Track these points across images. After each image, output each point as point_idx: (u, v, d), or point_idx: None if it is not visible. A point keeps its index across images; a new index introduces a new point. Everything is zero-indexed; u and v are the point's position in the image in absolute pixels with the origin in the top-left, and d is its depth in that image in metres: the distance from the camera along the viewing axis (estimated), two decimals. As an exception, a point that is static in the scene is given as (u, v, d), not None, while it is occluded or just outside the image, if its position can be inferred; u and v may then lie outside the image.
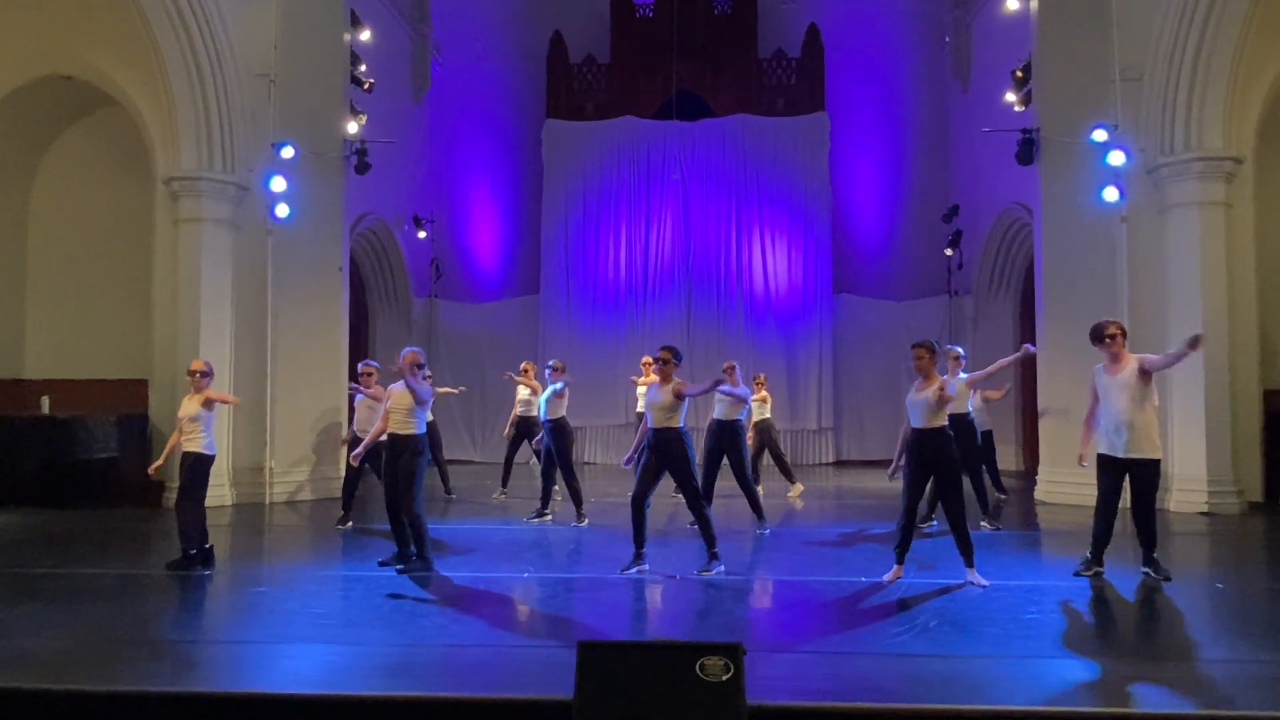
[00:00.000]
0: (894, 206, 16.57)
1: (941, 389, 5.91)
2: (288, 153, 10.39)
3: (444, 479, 11.03)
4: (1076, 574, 6.33)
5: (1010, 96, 11.80)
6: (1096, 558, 6.31)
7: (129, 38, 10.10)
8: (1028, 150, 10.58)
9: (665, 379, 6.51)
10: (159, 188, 10.47)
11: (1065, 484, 10.09)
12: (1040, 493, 10.44)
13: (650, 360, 10.74)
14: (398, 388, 6.65)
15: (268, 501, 10.24)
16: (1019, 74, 11.46)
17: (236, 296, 10.43)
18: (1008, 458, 14.05)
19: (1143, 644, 4.72)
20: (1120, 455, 6.05)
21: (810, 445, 15.51)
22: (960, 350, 8.67)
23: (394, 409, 6.61)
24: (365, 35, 12.16)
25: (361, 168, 11.35)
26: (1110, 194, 9.83)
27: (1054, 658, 4.46)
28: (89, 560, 7.04)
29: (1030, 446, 12.87)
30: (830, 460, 15.28)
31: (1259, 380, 9.90)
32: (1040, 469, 10.64)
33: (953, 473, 5.99)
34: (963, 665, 4.31)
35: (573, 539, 8.02)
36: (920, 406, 6.04)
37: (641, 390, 10.70)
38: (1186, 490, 9.42)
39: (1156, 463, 6.08)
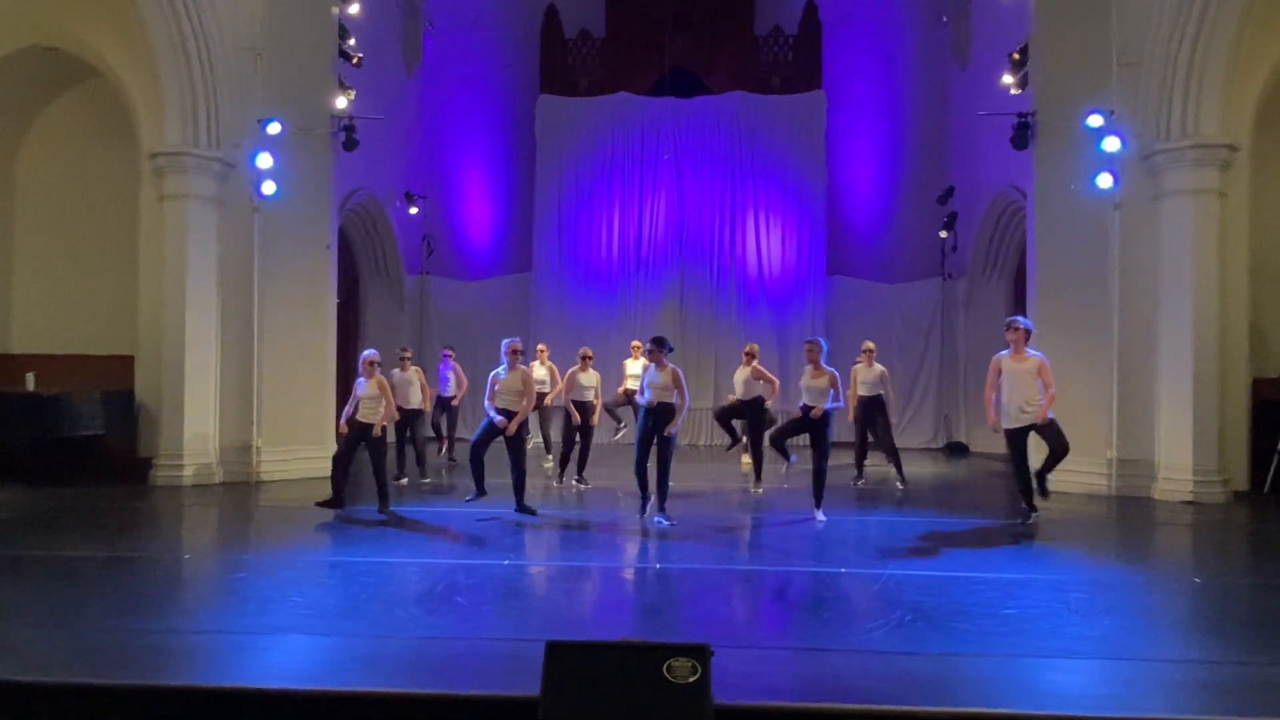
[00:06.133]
0: (890, 187, 16.44)
1: (835, 385, 7.96)
2: (274, 128, 10.25)
3: (401, 462, 10.58)
4: (1024, 523, 7.80)
5: (1007, 79, 11.65)
6: (1030, 504, 7.92)
7: (113, 8, 9.94)
8: (1023, 134, 10.47)
9: (660, 364, 7.73)
10: (144, 162, 10.35)
11: (1056, 471, 10.05)
12: (1027, 479, 10.43)
13: (640, 344, 11.38)
14: (504, 373, 8.15)
15: (254, 480, 10.22)
16: (1016, 56, 11.30)
17: (222, 274, 10.35)
18: (996, 442, 14.03)
19: (1119, 644, 4.71)
20: (1023, 426, 7.71)
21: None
22: (871, 344, 10.48)
23: (508, 390, 8.08)
24: (354, 8, 11.94)
25: (350, 144, 11.22)
26: (1105, 180, 9.74)
27: (1029, 657, 4.45)
28: (72, 541, 7.02)
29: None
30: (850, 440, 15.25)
31: (1248, 369, 9.88)
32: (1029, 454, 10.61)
33: (826, 441, 8.03)
34: (936, 664, 4.30)
35: (554, 527, 8.00)
36: (814, 392, 7.99)
37: (633, 371, 11.39)
38: (1171, 479, 9.42)
39: (1054, 420, 7.68)
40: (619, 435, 12.20)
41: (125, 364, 10.60)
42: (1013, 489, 10.36)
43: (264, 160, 10.20)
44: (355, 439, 8.33)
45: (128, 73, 10.26)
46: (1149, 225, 9.74)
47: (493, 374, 8.31)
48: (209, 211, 10.28)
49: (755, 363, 9.92)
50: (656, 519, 7.76)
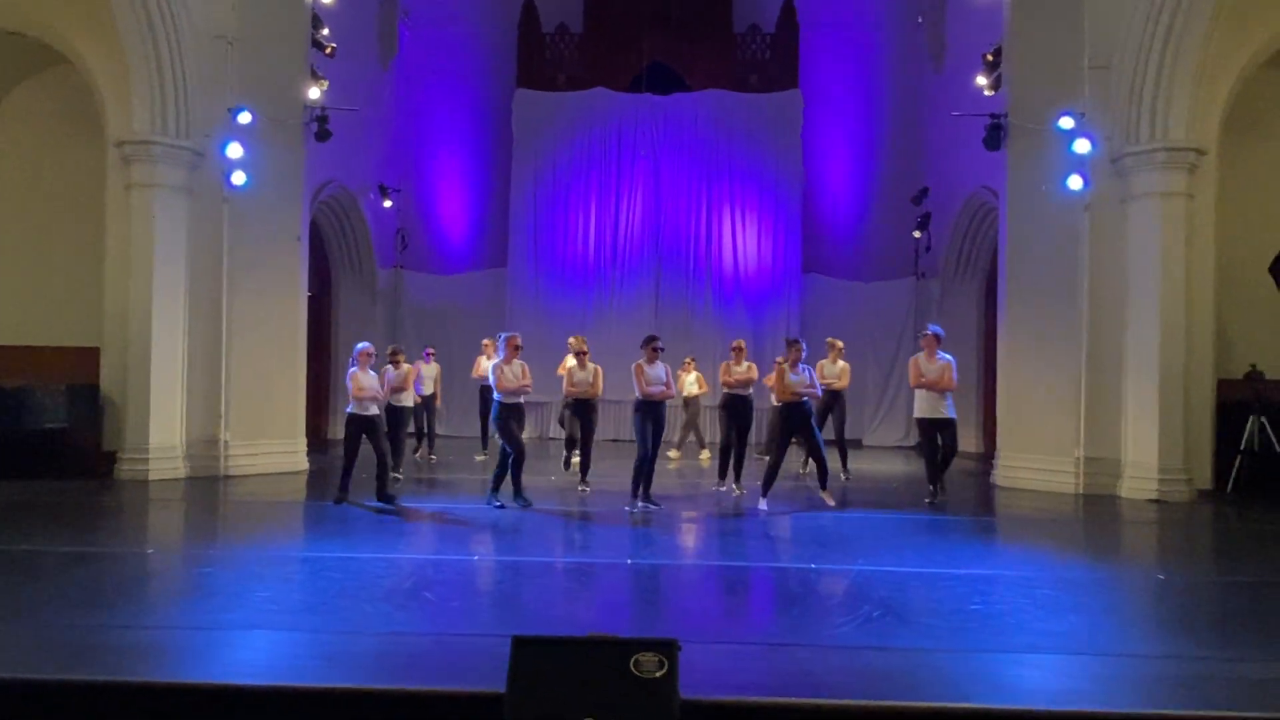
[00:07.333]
0: (865, 187, 16.54)
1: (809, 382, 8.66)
2: (245, 118, 10.11)
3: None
4: (929, 503, 8.81)
5: (981, 80, 11.73)
6: (939, 486, 8.98)
7: (80, -7, 9.75)
8: (995, 136, 10.55)
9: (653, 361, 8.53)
10: (111, 150, 10.17)
11: (1024, 469, 10.21)
12: (997, 477, 10.55)
13: (578, 340, 11.11)
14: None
15: (222, 475, 10.09)
16: (989, 57, 11.38)
17: (191, 265, 10.21)
18: (966, 440, 14.19)
19: (1084, 639, 4.76)
20: (937, 417, 8.83)
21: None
22: (838, 342, 11.04)
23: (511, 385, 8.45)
24: (329, -2, 11.80)
25: (322, 135, 11.09)
26: (1075, 182, 9.83)
27: (995, 652, 4.48)
28: (33, 536, 6.88)
29: (989, 429, 12.99)
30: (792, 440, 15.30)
31: (1213, 370, 10.02)
32: (998, 453, 10.74)
33: (813, 431, 8.66)
34: (903, 659, 4.33)
35: (524, 521, 7.96)
36: (794, 385, 8.59)
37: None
38: (1137, 477, 9.55)
39: (955, 421, 8.96)
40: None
41: (90, 356, 10.40)
42: (981, 486, 10.53)
43: (234, 150, 10.05)
44: (358, 433, 8.47)
45: (95, 59, 10.06)
46: (1118, 227, 9.86)
47: (493, 365, 8.46)
48: (177, 201, 10.12)
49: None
50: (640, 505, 8.29)
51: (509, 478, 8.39)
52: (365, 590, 5.44)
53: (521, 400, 8.51)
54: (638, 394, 8.44)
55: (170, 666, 4.19)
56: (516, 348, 8.49)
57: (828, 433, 10.68)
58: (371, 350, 8.68)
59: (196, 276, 10.23)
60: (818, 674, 4.14)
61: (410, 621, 4.87)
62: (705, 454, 12.88)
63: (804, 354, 8.95)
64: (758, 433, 14.06)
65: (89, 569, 5.90)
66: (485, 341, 12.04)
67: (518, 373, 8.42)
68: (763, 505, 8.47)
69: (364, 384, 8.41)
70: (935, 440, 8.92)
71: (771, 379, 11.10)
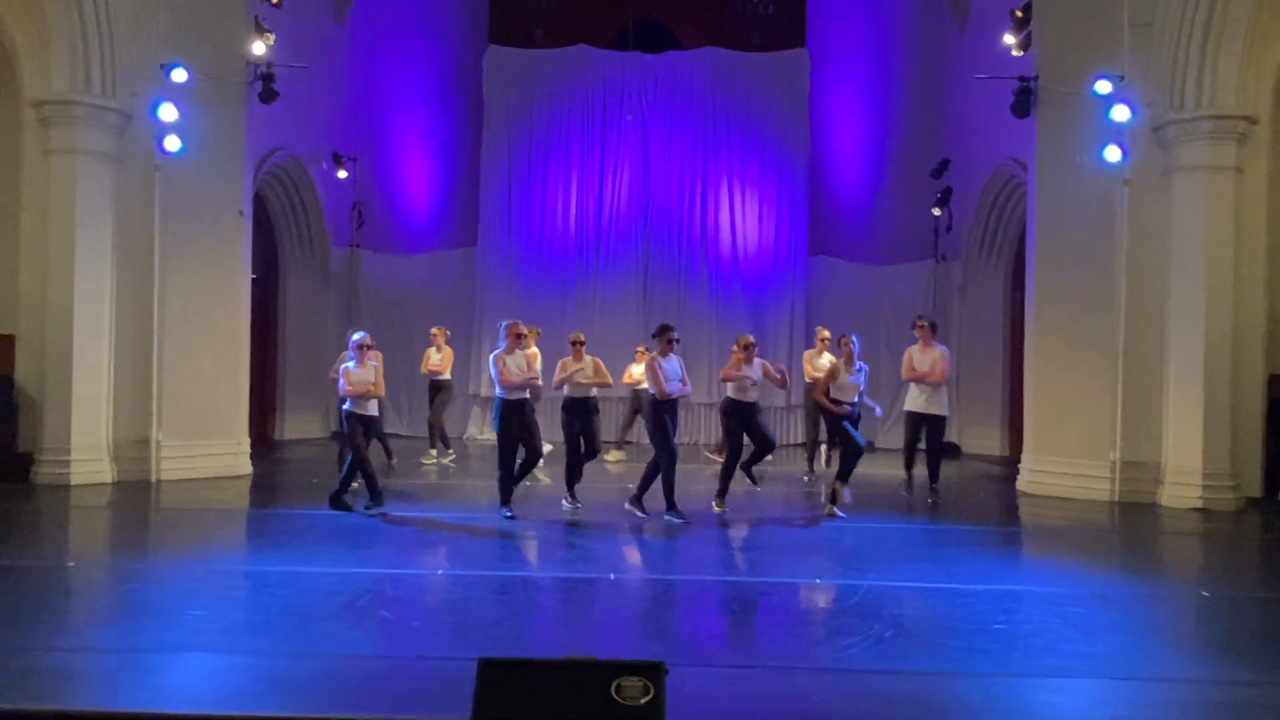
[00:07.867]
0: (879, 159, 16.55)
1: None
2: (179, 75, 10.05)
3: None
4: (900, 490, 9.70)
5: (1009, 38, 11.75)
6: (910, 479, 9.70)
7: (-10, -67, 9.66)
8: (1024, 101, 10.59)
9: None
10: (27, 111, 10.09)
11: (1054, 473, 10.28)
12: (1023, 483, 10.61)
13: (533, 330, 11.33)
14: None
15: (154, 480, 10.06)
16: (1018, 14, 11.40)
17: (118, 241, 10.16)
18: (991, 442, 14.29)
19: (1119, 662, 4.79)
20: (923, 411, 9.40)
21: (779, 424, 15.59)
22: (827, 332, 11.34)
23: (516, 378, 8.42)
24: (275, -60, 11.71)
25: (267, 95, 11.04)
26: (1112, 153, 9.88)
27: (1021, 676, 4.52)
28: (-65, 547, 6.84)
29: (1015, 429, 13.05)
30: (800, 441, 15.36)
31: (1264, 364, 10.06)
32: (1024, 456, 10.80)
33: (847, 435, 8.88)
34: (916, 684, 4.35)
35: (495, 532, 7.96)
36: (847, 389, 8.86)
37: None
38: (1179, 484, 9.61)
39: (945, 418, 9.64)
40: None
41: (3, 345, 10.33)
42: (1006, 493, 10.60)
43: (167, 112, 9.99)
44: (365, 431, 8.54)
45: (7, 8, 9.96)
46: (1159, 203, 9.91)
47: (493, 356, 8.38)
48: (103, 170, 10.05)
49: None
50: (670, 515, 8.37)
51: (501, 484, 8.40)
52: (314, 608, 5.43)
53: (527, 395, 8.49)
54: (653, 392, 8.45)
55: (95, 693, 4.19)
56: (519, 336, 8.47)
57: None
58: (367, 341, 8.61)
59: (125, 255, 10.16)
60: (822, 700, 4.16)
61: (365, 643, 4.87)
62: None
63: (856, 350, 8.95)
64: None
65: (3, 584, 5.87)
66: (434, 331, 12.08)
67: (521, 365, 8.39)
68: (847, 498, 8.82)
69: (354, 378, 8.41)
70: (918, 433, 9.52)
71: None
